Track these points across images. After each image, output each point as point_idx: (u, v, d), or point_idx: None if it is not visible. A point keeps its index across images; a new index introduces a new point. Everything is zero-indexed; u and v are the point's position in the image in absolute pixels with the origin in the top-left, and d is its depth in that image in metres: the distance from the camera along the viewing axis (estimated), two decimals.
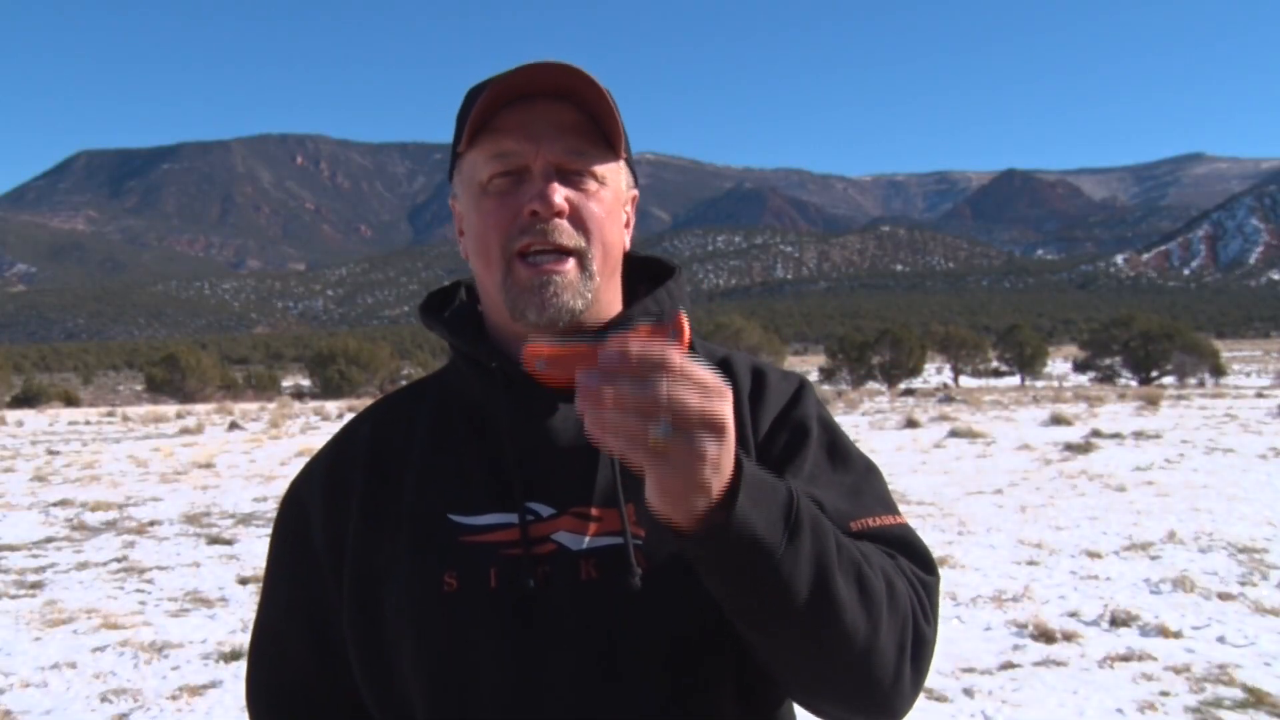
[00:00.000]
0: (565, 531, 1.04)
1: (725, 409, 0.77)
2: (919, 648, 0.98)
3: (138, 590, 7.42)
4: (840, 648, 0.91)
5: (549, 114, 1.05)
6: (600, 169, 1.07)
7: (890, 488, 1.15)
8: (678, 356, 0.75)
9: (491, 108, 1.04)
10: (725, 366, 1.17)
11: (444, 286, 1.24)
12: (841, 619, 0.89)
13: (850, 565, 0.91)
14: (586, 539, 1.03)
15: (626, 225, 1.14)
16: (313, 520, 1.14)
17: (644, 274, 1.21)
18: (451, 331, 1.14)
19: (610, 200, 1.08)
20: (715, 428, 0.77)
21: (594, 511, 1.04)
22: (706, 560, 0.85)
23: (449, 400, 1.15)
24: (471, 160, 1.08)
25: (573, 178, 1.05)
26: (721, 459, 0.79)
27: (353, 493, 1.12)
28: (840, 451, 1.12)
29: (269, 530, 1.22)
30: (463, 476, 1.08)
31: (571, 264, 1.04)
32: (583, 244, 1.05)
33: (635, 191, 1.17)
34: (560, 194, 1.03)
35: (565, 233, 1.04)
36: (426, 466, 1.10)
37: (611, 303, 1.13)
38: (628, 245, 1.15)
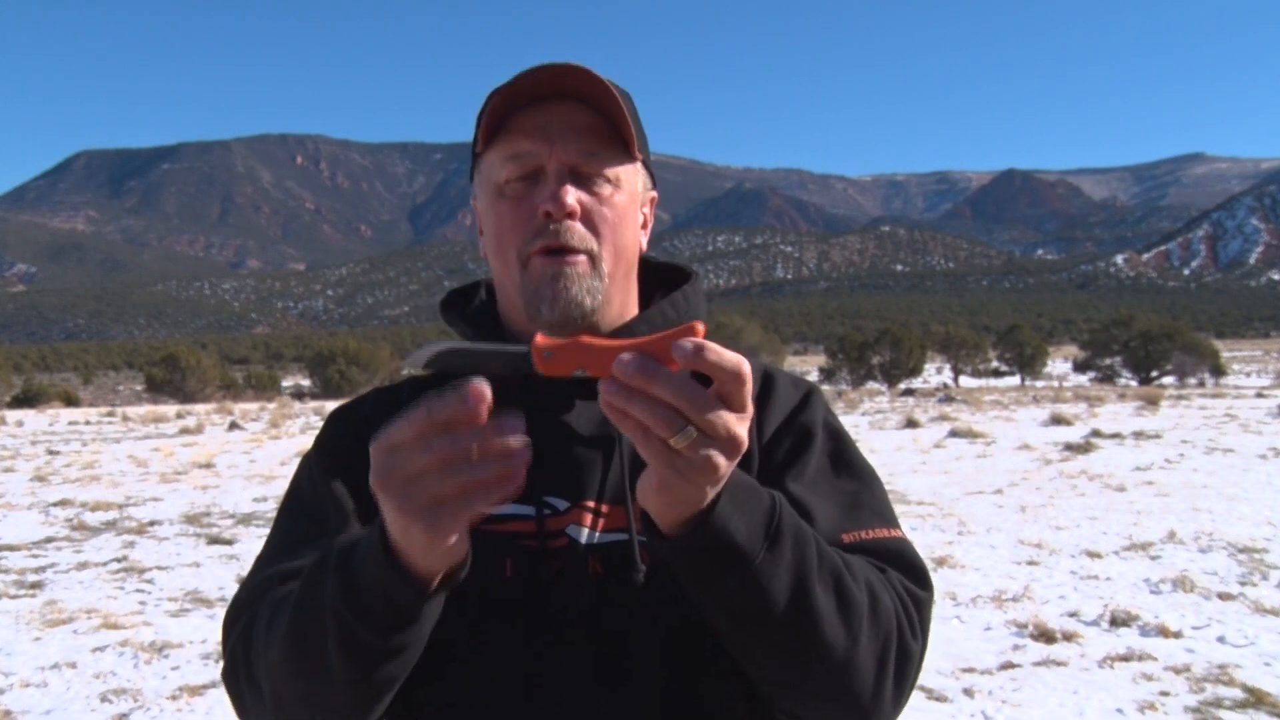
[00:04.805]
0: (575, 525, 1.05)
1: (745, 431, 0.77)
2: (902, 663, 0.97)
3: (138, 590, 7.42)
4: (817, 659, 0.91)
5: (564, 115, 1.05)
6: (614, 171, 1.07)
7: (890, 488, 1.16)
8: (746, 371, 0.74)
9: (507, 109, 1.05)
10: None
11: (464, 285, 1.25)
12: (819, 630, 0.89)
13: (830, 576, 0.91)
14: (595, 534, 1.04)
15: (644, 226, 1.15)
16: (354, 469, 1.06)
17: (659, 280, 1.21)
18: (472, 326, 1.16)
19: (624, 203, 1.09)
20: (735, 449, 0.77)
21: (604, 508, 1.05)
22: (685, 564, 0.86)
23: None
24: (489, 161, 1.09)
25: (586, 180, 1.06)
26: (726, 475, 0.80)
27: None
28: (844, 459, 1.12)
29: (269, 530, 1.18)
30: None
31: (583, 258, 1.05)
32: (594, 246, 1.06)
33: (654, 193, 1.17)
34: (573, 195, 1.04)
35: (577, 234, 1.05)
36: None
37: (625, 306, 1.14)
38: (644, 247, 1.15)
